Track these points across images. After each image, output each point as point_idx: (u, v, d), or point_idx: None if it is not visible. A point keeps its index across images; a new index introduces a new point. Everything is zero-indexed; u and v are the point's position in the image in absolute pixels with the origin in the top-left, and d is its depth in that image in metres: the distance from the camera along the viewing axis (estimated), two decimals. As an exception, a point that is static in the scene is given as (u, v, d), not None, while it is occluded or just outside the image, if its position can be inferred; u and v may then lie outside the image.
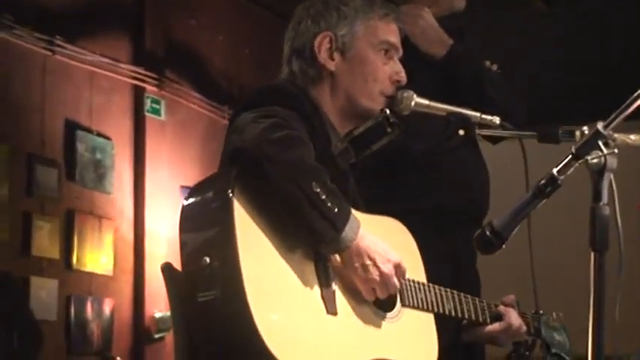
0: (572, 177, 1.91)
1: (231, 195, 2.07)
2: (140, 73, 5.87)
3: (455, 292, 2.51)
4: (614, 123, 1.88)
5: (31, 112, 5.18)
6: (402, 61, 2.56)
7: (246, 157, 2.11)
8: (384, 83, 2.49)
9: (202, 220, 2.13)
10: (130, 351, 5.63)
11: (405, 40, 2.66)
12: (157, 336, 5.68)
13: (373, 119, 2.50)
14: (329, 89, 2.48)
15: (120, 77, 5.76)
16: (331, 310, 2.17)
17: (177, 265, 2.17)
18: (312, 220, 2.10)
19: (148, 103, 5.91)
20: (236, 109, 2.38)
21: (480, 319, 2.58)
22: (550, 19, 6.63)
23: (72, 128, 5.41)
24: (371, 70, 2.48)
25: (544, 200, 1.92)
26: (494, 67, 3.06)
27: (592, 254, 1.82)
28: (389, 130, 2.52)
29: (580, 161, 1.86)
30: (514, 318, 2.65)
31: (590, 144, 1.86)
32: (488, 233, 1.95)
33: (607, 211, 1.83)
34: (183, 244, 2.14)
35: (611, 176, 1.84)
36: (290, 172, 2.09)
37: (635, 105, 1.88)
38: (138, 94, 5.89)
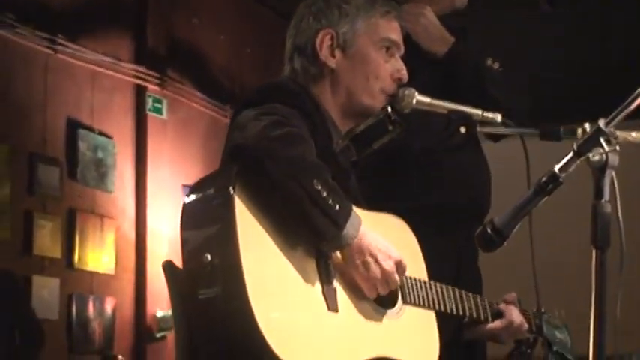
0: (574, 174, 1.91)
1: (232, 192, 2.07)
2: (142, 72, 5.88)
3: (456, 289, 2.51)
4: (616, 120, 1.88)
5: (32, 111, 5.19)
6: (404, 59, 2.56)
7: (247, 154, 2.11)
8: (386, 81, 2.49)
9: (203, 217, 2.13)
10: (131, 350, 5.63)
11: (407, 38, 2.65)
12: (158, 335, 5.69)
13: (374, 117, 2.49)
14: (330, 87, 2.48)
15: (122, 76, 5.77)
16: (332, 307, 2.17)
17: (179, 262, 2.17)
18: (313, 218, 2.10)
19: (149, 102, 5.92)
20: (237, 106, 2.38)
21: (482, 317, 2.58)
22: (550, 19, 6.64)
23: (74, 127, 5.42)
24: (372, 67, 2.48)
25: (545, 198, 1.92)
26: (496, 65, 3.06)
27: (593, 251, 1.82)
28: (390, 128, 2.51)
29: (581, 158, 1.86)
30: (515, 315, 2.65)
31: (591, 141, 1.86)
32: (489, 231, 1.95)
33: (608, 208, 1.82)
34: (184, 242, 2.14)
35: (613, 173, 1.84)
36: (291, 170, 2.09)
37: (636, 102, 1.88)
38: (140, 93, 5.90)
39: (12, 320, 4.82)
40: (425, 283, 2.43)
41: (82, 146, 5.43)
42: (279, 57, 2.58)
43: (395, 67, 2.51)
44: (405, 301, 2.36)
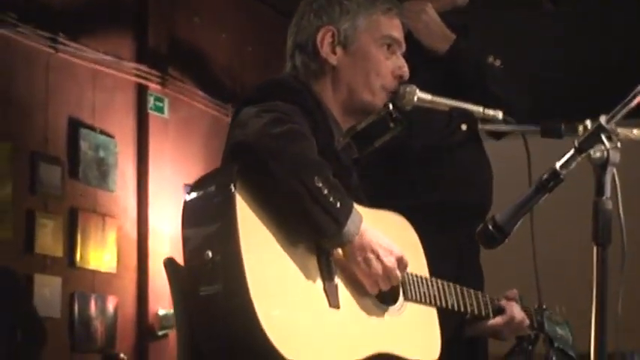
0: (575, 171, 1.91)
1: (233, 189, 2.07)
2: (143, 71, 5.88)
3: (457, 286, 2.50)
4: (617, 117, 1.88)
5: (34, 109, 5.19)
6: (405, 56, 2.56)
7: (248, 151, 2.11)
8: (386, 78, 2.49)
9: (204, 214, 2.13)
10: (133, 348, 5.64)
11: (408, 36, 2.65)
12: (160, 333, 5.69)
13: (376, 114, 2.50)
14: (331, 84, 2.48)
15: (123, 75, 5.77)
16: (334, 303, 2.17)
17: (181, 261, 2.18)
18: (314, 215, 2.10)
19: (151, 101, 5.92)
20: (239, 103, 2.38)
21: (483, 314, 2.58)
22: (550, 19, 6.64)
23: (75, 126, 5.42)
24: (373, 64, 2.48)
25: (547, 195, 1.92)
26: (497, 63, 3.06)
27: (594, 248, 1.82)
28: (392, 125, 2.52)
29: (583, 155, 1.86)
30: (516, 311, 2.65)
31: (592, 138, 1.86)
32: (490, 228, 1.95)
33: (610, 205, 1.82)
34: (185, 239, 2.14)
35: (614, 170, 1.84)
36: (292, 167, 2.09)
37: (638, 99, 1.88)
38: (141, 92, 5.90)
39: (14, 319, 4.82)
40: (426, 279, 2.43)
41: (84, 145, 5.43)
42: (281, 55, 2.58)
43: (396, 64, 2.51)
44: (406, 298, 2.36)
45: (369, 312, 2.26)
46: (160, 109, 6.00)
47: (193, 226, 2.15)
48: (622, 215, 1.86)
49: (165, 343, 5.72)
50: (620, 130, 1.89)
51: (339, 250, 2.23)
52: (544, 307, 2.80)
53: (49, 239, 5.14)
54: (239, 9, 6.82)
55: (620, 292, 1.88)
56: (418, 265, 2.44)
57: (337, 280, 2.21)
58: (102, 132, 5.57)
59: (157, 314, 5.69)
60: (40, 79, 5.24)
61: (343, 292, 2.22)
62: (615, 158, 1.84)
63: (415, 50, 2.78)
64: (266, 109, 2.22)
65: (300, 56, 2.49)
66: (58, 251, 5.20)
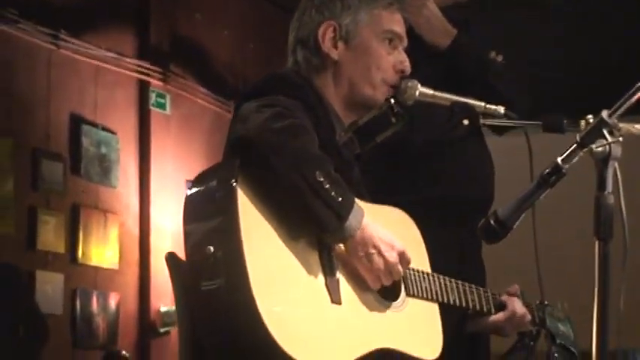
0: (577, 166, 1.91)
1: (234, 184, 2.07)
2: (145, 67, 5.87)
3: (459, 282, 2.50)
4: (619, 111, 1.87)
5: (36, 106, 5.19)
6: (406, 51, 2.56)
7: (249, 146, 2.11)
8: (388, 72, 2.49)
9: (206, 209, 2.12)
10: (135, 345, 5.64)
11: (410, 31, 2.65)
12: (162, 330, 5.69)
13: (377, 109, 2.49)
14: (332, 78, 2.48)
15: (125, 71, 5.77)
16: (335, 299, 2.17)
17: (183, 257, 2.17)
18: (315, 209, 2.10)
19: (153, 97, 5.91)
20: (240, 98, 2.38)
21: (485, 309, 2.58)
22: (550, 19, 6.63)
23: (77, 122, 5.41)
24: (374, 58, 2.48)
25: (548, 190, 1.91)
26: (499, 58, 3.06)
27: (596, 243, 1.81)
28: (393, 120, 2.51)
29: (585, 150, 1.86)
30: (518, 307, 2.64)
31: (594, 132, 1.86)
32: (492, 223, 1.95)
33: (611, 199, 1.82)
34: (187, 234, 2.14)
35: (616, 165, 1.84)
36: (293, 161, 2.09)
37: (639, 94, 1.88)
38: (143, 88, 5.90)
39: (15, 316, 4.82)
40: (428, 275, 2.42)
41: (86, 141, 5.43)
42: (283, 52, 2.58)
43: (397, 58, 2.51)
44: (408, 294, 2.36)
45: (370, 307, 2.26)
46: (162, 106, 5.99)
47: (195, 221, 2.14)
48: (624, 210, 1.86)
49: (166, 340, 5.72)
50: (622, 125, 1.89)
51: (341, 246, 2.22)
52: (546, 302, 2.79)
53: (51, 235, 5.14)
54: (241, 5, 6.82)
55: (622, 289, 1.87)
56: (420, 261, 2.44)
57: (339, 276, 2.21)
58: (104, 128, 5.57)
59: (158, 311, 5.69)
60: (42, 75, 5.24)
61: (345, 288, 2.21)
62: (617, 153, 1.83)
63: (416, 45, 2.78)
64: (267, 103, 2.22)
65: (301, 51, 2.49)
66: (60, 247, 5.20)
